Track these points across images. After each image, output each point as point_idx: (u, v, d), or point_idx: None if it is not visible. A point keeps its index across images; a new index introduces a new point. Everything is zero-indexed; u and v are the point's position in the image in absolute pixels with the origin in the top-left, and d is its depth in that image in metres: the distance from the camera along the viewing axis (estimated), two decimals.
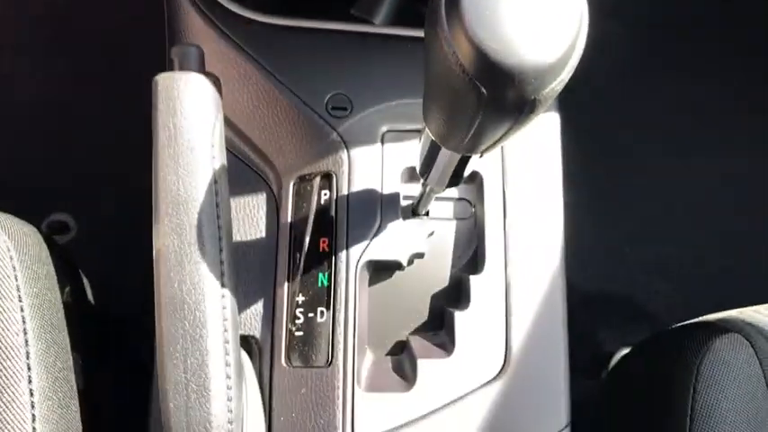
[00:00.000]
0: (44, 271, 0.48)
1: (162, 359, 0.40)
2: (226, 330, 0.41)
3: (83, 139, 1.03)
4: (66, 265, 0.54)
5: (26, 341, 0.43)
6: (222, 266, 0.41)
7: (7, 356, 0.43)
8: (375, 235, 0.50)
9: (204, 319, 0.39)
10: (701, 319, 0.61)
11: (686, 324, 0.61)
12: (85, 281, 0.60)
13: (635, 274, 1.14)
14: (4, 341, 0.43)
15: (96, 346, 0.55)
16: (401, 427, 0.46)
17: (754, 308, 0.61)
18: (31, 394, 0.43)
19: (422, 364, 0.48)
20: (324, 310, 0.49)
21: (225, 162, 0.42)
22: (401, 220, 0.51)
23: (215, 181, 0.41)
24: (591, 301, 1.07)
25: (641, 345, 0.65)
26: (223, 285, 0.41)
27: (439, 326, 0.51)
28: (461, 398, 0.47)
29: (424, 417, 0.47)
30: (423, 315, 0.52)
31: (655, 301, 1.09)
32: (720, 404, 0.50)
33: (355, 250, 0.49)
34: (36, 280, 0.46)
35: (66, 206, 1.02)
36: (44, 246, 0.50)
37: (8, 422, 0.42)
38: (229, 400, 0.40)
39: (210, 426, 0.40)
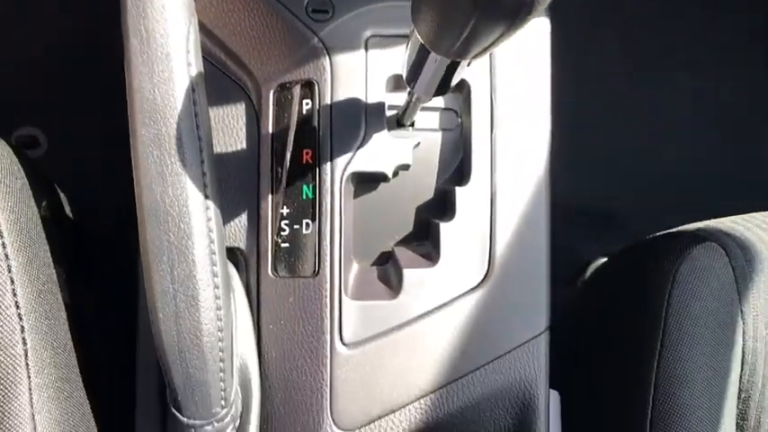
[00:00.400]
0: (18, 184, 0.47)
1: (148, 271, 0.39)
2: (212, 242, 0.40)
3: (48, 50, 0.97)
4: (40, 179, 0.52)
5: (6, 255, 0.43)
6: (204, 178, 0.40)
7: None
8: (359, 146, 0.49)
9: (189, 230, 0.39)
10: (679, 228, 0.63)
11: (664, 233, 0.62)
12: (62, 195, 0.59)
13: (616, 188, 1.15)
14: None
15: (78, 260, 0.55)
16: (387, 332, 0.48)
17: (732, 218, 0.62)
18: (17, 306, 0.42)
19: (407, 273, 0.48)
20: (309, 221, 0.48)
21: (201, 69, 0.40)
22: (386, 130, 0.49)
23: (192, 89, 0.39)
24: (571, 214, 1.09)
25: (620, 253, 0.67)
26: (206, 197, 0.40)
27: (424, 237, 0.52)
28: (446, 304, 0.48)
29: (409, 323, 0.48)
30: (408, 226, 0.52)
31: (635, 215, 1.11)
32: (694, 309, 0.53)
33: (339, 162, 0.48)
34: (10, 194, 0.45)
35: (34, 120, 0.98)
36: (15, 158, 0.48)
37: None
38: (218, 309, 0.41)
39: (201, 334, 0.40)
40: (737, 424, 0.55)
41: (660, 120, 1.16)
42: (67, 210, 0.58)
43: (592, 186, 1.12)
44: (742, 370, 0.54)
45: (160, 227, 0.39)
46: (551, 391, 0.62)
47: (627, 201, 1.12)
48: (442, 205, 0.51)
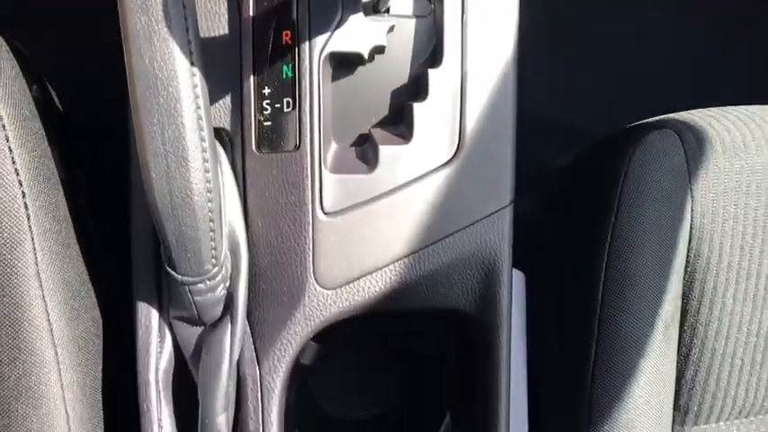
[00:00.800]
0: (8, 65, 0.49)
1: (140, 134, 0.42)
2: (198, 107, 0.43)
3: None
4: (28, 65, 0.54)
5: (3, 125, 0.45)
6: (190, 45, 0.42)
7: None
8: (336, 27, 0.51)
9: (177, 93, 0.42)
10: (640, 122, 0.67)
11: (628, 126, 0.66)
12: (49, 87, 0.61)
13: (588, 103, 1.19)
14: None
15: (69, 142, 0.57)
16: (364, 203, 0.52)
17: (690, 111, 0.66)
18: (17, 173, 0.45)
19: (383, 149, 0.52)
20: (290, 100, 0.51)
21: None
22: (362, 14, 0.52)
23: None
24: (542, 127, 1.13)
25: (588, 146, 0.71)
26: (192, 63, 0.42)
27: (399, 120, 0.55)
28: (419, 178, 0.52)
29: (385, 195, 0.52)
30: (384, 110, 0.55)
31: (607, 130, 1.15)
32: (646, 186, 0.57)
33: (317, 42, 0.51)
34: (1, 71, 0.47)
35: (11, 32, 0.97)
36: (2, 41, 0.50)
37: (0, 214, 0.45)
38: (207, 171, 0.44)
39: (191, 192, 0.44)
40: (683, 293, 0.61)
41: (636, 33, 1.18)
42: (56, 100, 0.60)
43: (560, 101, 1.16)
44: (690, 244, 0.59)
45: (150, 90, 0.41)
46: (516, 271, 0.67)
47: (598, 115, 1.16)
48: (415, 89, 0.54)
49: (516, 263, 0.60)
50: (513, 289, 0.59)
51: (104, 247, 0.58)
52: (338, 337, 0.58)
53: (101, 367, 0.54)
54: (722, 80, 1.20)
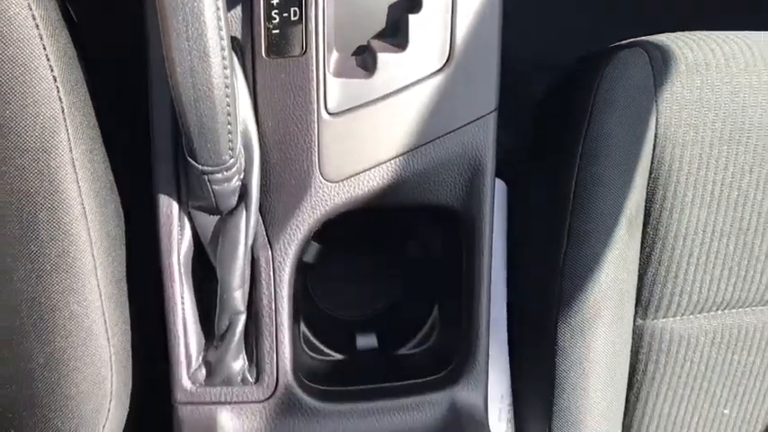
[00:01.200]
0: None
1: (166, 30, 0.47)
2: (218, 8, 0.48)
3: None
4: None
5: (36, 25, 0.49)
6: None
7: (24, 44, 0.49)
8: None
9: None
10: (614, 44, 0.72)
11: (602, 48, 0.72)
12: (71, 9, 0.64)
13: (574, 45, 1.23)
14: (19, 34, 0.49)
15: (90, 47, 0.61)
16: (364, 105, 0.57)
17: (660, 34, 0.72)
18: (52, 70, 0.50)
19: (381, 56, 0.57)
20: (296, 9, 0.56)
21: None
22: None
23: None
24: (529, 67, 1.18)
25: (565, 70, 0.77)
26: None
27: (396, 32, 0.60)
28: (413, 84, 0.58)
29: (383, 98, 0.58)
30: (381, 23, 0.60)
31: None
32: (615, 96, 0.64)
33: None
34: None
35: None
36: None
37: (39, 104, 0.49)
38: (225, 68, 0.49)
39: (212, 86, 0.49)
40: (647, 197, 0.68)
41: None
42: (72, 12, 0.64)
43: (548, 41, 1.20)
44: (654, 151, 0.66)
45: None
46: (499, 180, 0.74)
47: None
48: (410, 2, 0.59)
49: (501, 175, 0.66)
50: (496, 197, 0.66)
51: (126, 144, 0.63)
52: (337, 241, 0.64)
53: (125, 253, 0.60)
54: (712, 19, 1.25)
